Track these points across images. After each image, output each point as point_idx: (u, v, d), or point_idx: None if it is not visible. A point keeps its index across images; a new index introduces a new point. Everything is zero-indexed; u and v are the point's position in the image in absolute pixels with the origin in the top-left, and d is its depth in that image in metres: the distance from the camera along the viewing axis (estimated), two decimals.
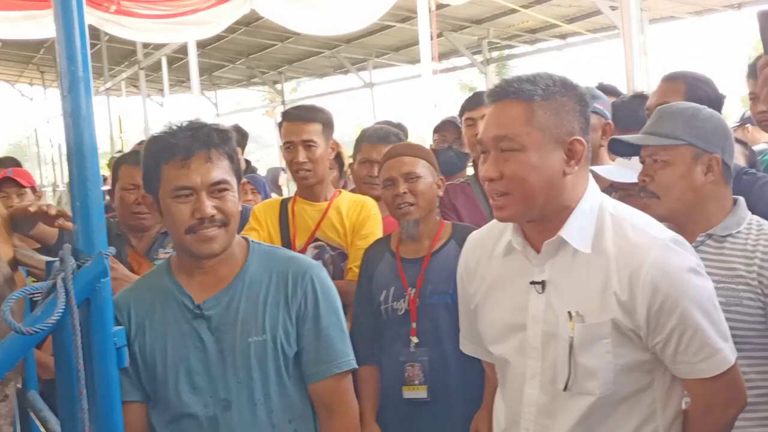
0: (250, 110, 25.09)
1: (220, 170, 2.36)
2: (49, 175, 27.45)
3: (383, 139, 4.13)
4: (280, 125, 3.88)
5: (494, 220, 2.31)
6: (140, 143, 6.09)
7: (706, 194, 2.62)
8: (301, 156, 3.73)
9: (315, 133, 3.75)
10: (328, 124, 3.82)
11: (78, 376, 2.09)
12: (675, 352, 2.11)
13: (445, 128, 5.33)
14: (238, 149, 5.26)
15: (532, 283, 2.20)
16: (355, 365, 2.53)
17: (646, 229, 2.15)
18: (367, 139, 4.23)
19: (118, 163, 3.80)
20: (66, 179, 21.15)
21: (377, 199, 3.86)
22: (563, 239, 2.15)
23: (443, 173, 3.68)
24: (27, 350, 2.24)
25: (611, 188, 3.04)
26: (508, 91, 2.14)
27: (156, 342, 2.42)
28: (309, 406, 2.51)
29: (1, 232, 3.12)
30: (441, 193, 3.50)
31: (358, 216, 3.78)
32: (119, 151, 6.86)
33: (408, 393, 3.34)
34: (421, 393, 3.33)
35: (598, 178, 2.34)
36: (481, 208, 4.02)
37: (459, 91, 27.27)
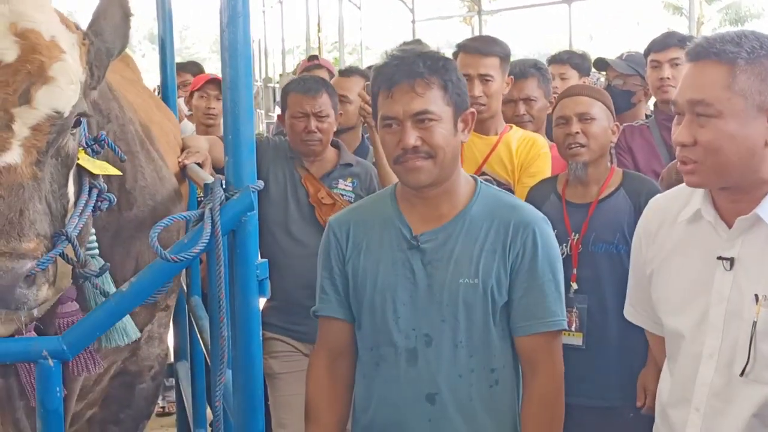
0: (447, 18, 24.87)
1: (425, 101, 2.34)
2: None
3: (520, 75, 3.99)
4: (455, 55, 3.81)
5: (682, 184, 2.18)
6: (310, 59, 6.07)
7: None
8: (477, 90, 3.65)
9: (492, 67, 3.67)
10: (505, 58, 3.73)
11: (220, 305, 2.14)
12: None
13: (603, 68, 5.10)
14: None
15: (720, 258, 2.07)
16: (565, 326, 2.49)
17: None
18: None
19: (286, 91, 3.83)
20: (262, 74, 21.59)
21: None
22: (760, 218, 2.02)
23: None
24: (172, 275, 2.30)
25: None
26: (710, 52, 1.99)
27: (369, 265, 2.46)
28: (515, 359, 2.48)
29: (172, 145, 3.24)
30: (615, 140, 3.37)
31: (528, 153, 3.69)
32: (312, 57, 6.87)
33: (563, 338, 3.22)
34: (577, 340, 3.26)
35: None
36: (659, 153, 3.86)
37: (663, 10, 26.21)
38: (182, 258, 2.09)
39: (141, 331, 2.63)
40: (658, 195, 2.40)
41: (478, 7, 20.98)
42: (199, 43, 57.83)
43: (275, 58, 26.50)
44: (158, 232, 2.10)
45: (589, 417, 3.26)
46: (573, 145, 3.27)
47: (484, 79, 3.66)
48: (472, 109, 2.47)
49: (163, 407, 5.72)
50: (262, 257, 3.58)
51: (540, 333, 2.42)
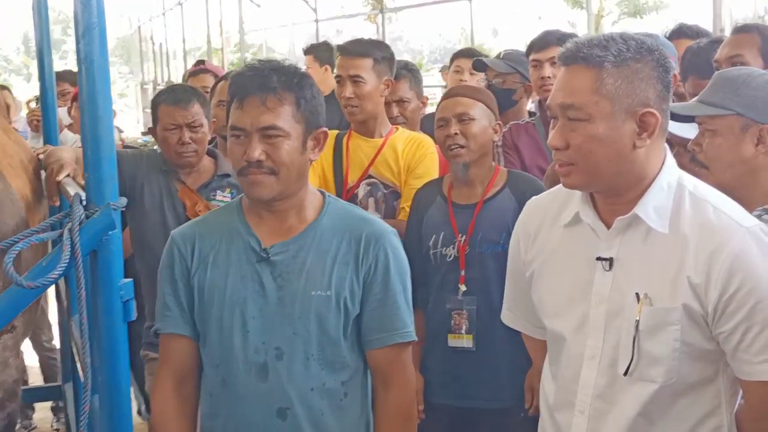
0: (352, 16, 24.83)
1: (274, 116, 2.29)
2: (150, 73, 27.87)
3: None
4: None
5: (559, 185, 2.18)
6: (196, 64, 5.96)
7: (758, 166, 2.44)
8: (348, 91, 3.67)
9: (363, 68, 3.66)
10: (381, 60, 3.72)
11: (81, 329, 2.06)
12: (736, 348, 1.98)
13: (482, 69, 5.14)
14: (326, 67, 5.03)
15: (599, 259, 2.08)
16: (415, 337, 2.46)
17: (729, 212, 2.02)
18: None
19: (156, 103, 3.71)
20: (166, 78, 21.47)
21: None
22: (638, 217, 2.03)
23: None
24: (30, 302, 2.20)
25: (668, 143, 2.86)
26: (577, 56, 2.00)
27: (216, 279, 2.39)
28: (365, 373, 2.47)
29: (17, 167, 3.14)
30: (496, 138, 3.37)
31: (414, 155, 3.69)
32: (199, 62, 6.72)
33: (453, 341, 3.28)
34: (467, 342, 3.26)
35: None
36: (545, 150, 3.86)
37: (564, 3, 26.55)
38: (39, 284, 2.00)
39: None
40: (535, 196, 2.40)
41: (381, 5, 21.00)
42: None
43: (177, 61, 26.19)
44: (13, 257, 2.00)
45: (482, 419, 3.28)
46: (453, 147, 3.26)
47: (355, 80, 3.66)
48: (325, 129, 2.42)
49: (57, 429, 5.59)
50: (142, 274, 3.53)
51: (393, 345, 2.41)
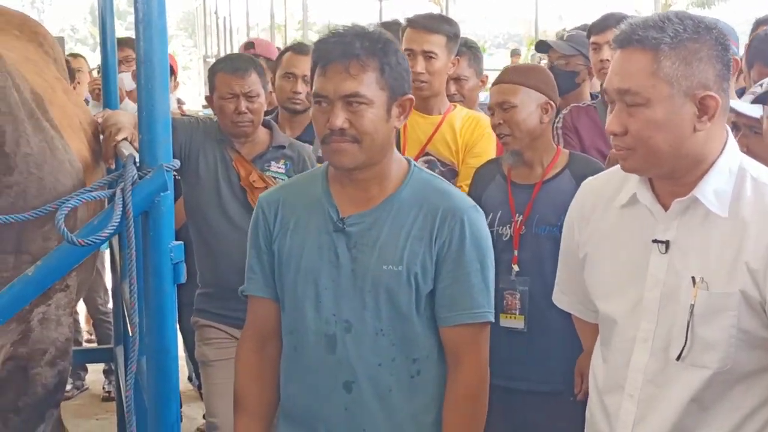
0: None
1: (357, 83, 2.24)
2: (213, 46, 28.05)
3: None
4: (402, 31, 3.74)
5: (617, 166, 2.14)
6: (246, 47, 5.87)
7: None
8: (420, 66, 3.60)
9: (437, 44, 3.62)
10: (452, 38, 3.68)
11: (131, 290, 2.06)
12: None
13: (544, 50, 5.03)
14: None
15: (655, 241, 2.04)
16: (491, 319, 2.40)
17: None
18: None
19: (213, 71, 3.69)
20: (228, 52, 21.59)
21: None
22: (697, 199, 1.98)
23: None
24: (81, 259, 2.21)
25: (733, 128, 2.78)
26: (632, 39, 1.95)
27: (294, 246, 2.37)
28: (440, 349, 2.40)
29: (76, 128, 3.14)
30: (546, 120, 3.26)
31: (472, 134, 3.66)
32: (248, 44, 6.63)
33: (505, 321, 3.23)
34: (519, 323, 3.22)
35: None
36: (604, 133, 3.80)
37: None
38: (90, 241, 2.00)
39: (32, 312, 2.52)
40: (591, 178, 2.35)
41: None
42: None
43: (240, 35, 26.34)
44: (65, 213, 2.01)
45: (531, 401, 3.24)
46: (500, 135, 3.24)
47: (428, 56, 3.61)
48: (411, 96, 2.37)
49: (108, 392, 5.66)
50: (195, 242, 3.54)
51: (465, 324, 2.35)
